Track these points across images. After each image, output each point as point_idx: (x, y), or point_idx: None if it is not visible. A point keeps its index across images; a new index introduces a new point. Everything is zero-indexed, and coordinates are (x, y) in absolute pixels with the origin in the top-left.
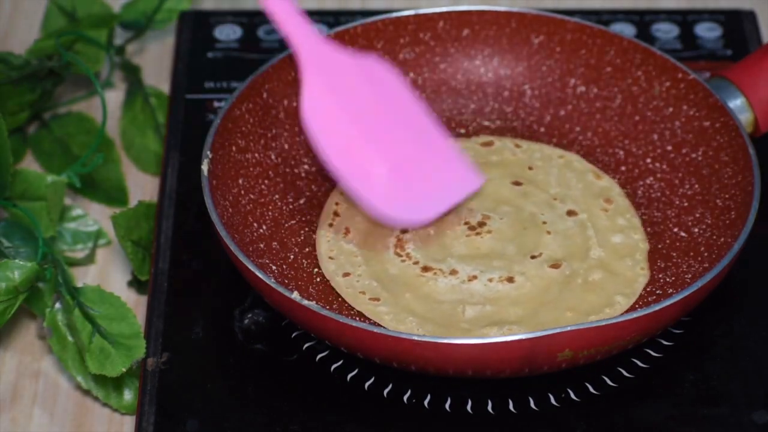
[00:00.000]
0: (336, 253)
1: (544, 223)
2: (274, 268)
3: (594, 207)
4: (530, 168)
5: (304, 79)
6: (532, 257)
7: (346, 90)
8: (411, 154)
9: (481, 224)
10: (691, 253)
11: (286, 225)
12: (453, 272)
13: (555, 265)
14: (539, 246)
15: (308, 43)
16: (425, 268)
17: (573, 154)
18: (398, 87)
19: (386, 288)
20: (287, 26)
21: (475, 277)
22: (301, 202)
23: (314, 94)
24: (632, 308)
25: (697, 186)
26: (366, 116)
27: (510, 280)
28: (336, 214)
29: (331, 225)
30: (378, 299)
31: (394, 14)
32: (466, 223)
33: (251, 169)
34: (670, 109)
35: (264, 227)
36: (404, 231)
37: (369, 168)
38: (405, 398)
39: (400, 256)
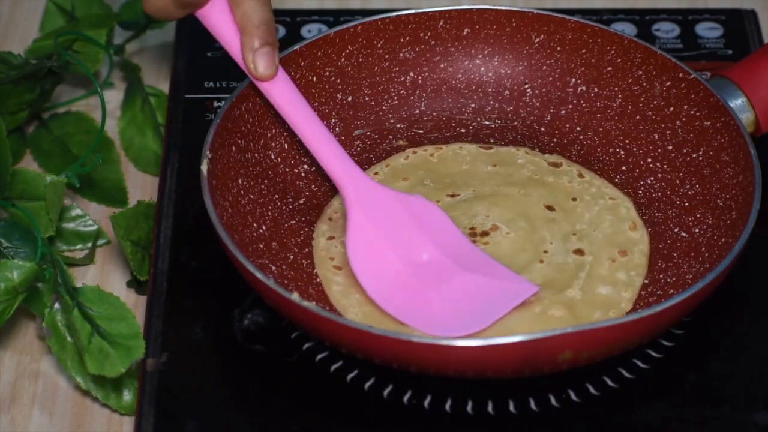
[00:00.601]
0: (336, 217)
1: (546, 252)
2: (273, 268)
3: (605, 254)
4: (574, 199)
5: (349, 216)
6: None
7: (390, 223)
8: (459, 277)
9: (485, 233)
10: (692, 254)
11: (286, 225)
12: None
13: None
14: (524, 270)
15: (353, 183)
16: None
17: (627, 199)
18: (439, 216)
19: None
20: (330, 163)
21: None
22: (301, 202)
23: (359, 231)
24: (633, 309)
25: (697, 186)
26: (410, 247)
27: None
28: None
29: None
30: (341, 269)
31: (394, 13)
32: (471, 228)
33: (251, 169)
34: (671, 109)
35: (264, 227)
36: None
37: (417, 298)
38: (405, 399)
39: None
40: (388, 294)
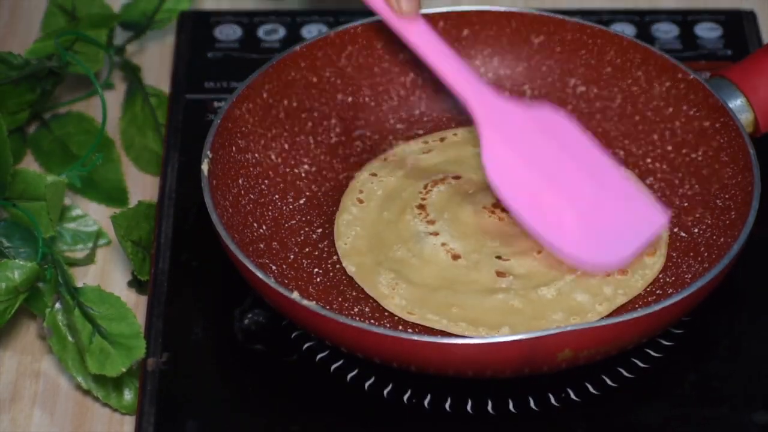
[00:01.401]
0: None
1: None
2: (273, 268)
3: None
4: None
5: (481, 136)
6: (498, 257)
7: (523, 141)
8: (595, 198)
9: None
10: (691, 254)
11: (286, 225)
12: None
13: (501, 274)
14: (517, 255)
15: (482, 99)
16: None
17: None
18: (574, 132)
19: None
20: (460, 85)
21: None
22: (301, 202)
23: (494, 149)
24: (632, 308)
25: (697, 186)
26: (546, 165)
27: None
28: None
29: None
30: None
31: None
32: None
33: (251, 169)
34: (670, 109)
35: (264, 227)
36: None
37: (557, 216)
38: (405, 398)
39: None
40: (534, 212)
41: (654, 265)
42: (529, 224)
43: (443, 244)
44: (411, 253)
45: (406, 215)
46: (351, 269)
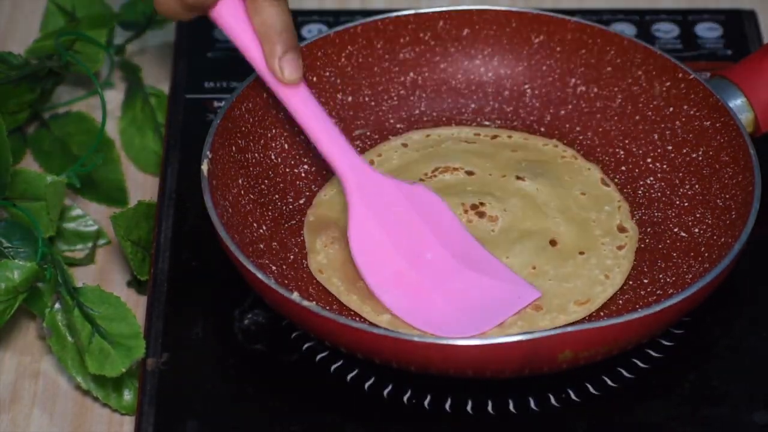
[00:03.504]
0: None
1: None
2: (273, 268)
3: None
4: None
5: (350, 210)
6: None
7: (391, 218)
8: (462, 276)
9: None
10: (692, 254)
11: (286, 225)
12: None
13: (479, 211)
14: (525, 238)
15: (355, 172)
16: None
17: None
18: (445, 211)
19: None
20: (334, 155)
21: None
22: (301, 202)
23: (361, 225)
24: (632, 309)
25: (697, 186)
26: (413, 240)
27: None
28: None
29: None
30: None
31: (394, 14)
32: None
33: (251, 169)
34: (671, 109)
35: (264, 227)
36: None
37: (417, 293)
38: (405, 398)
39: None
40: (390, 288)
41: (568, 316)
42: (385, 301)
43: None
44: None
45: None
46: (310, 219)
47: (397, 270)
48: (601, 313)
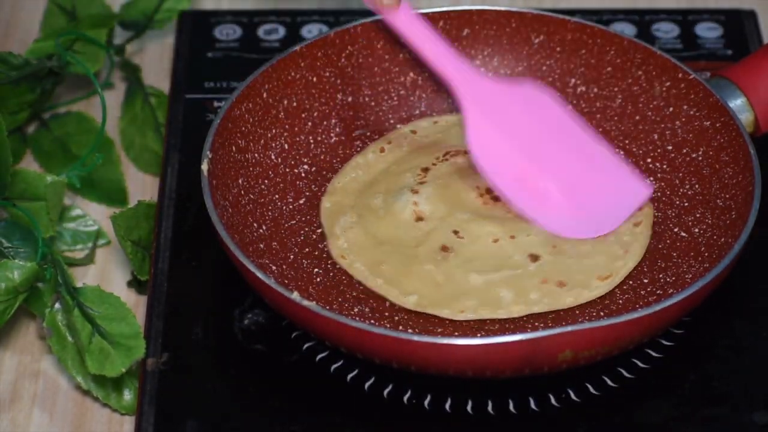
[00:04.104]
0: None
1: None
2: (273, 268)
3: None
4: None
5: (465, 115)
6: (454, 231)
7: (506, 119)
8: (578, 173)
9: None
10: (692, 253)
11: (286, 225)
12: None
13: (445, 248)
14: (471, 235)
15: (465, 79)
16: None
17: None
18: (555, 108)
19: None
20: (441, 64)
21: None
22: (301, 202)
23: (477, 128)
24: (632, 309)
25: (697, 186)
26: (530, 142)
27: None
28: None
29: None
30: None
31: None
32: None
33: (251, 169)
34: (671, 109)
35: (264, 227)
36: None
37: (541, 193)
38: (405, 399)
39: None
40: (516, 190)
41: (591, 292)
42: (513, 202)
43: (415, 203)
44: (384, 204)
45: (407, 172)
46: (326, 205)
47: (520, 171)
48: (601, 313)
